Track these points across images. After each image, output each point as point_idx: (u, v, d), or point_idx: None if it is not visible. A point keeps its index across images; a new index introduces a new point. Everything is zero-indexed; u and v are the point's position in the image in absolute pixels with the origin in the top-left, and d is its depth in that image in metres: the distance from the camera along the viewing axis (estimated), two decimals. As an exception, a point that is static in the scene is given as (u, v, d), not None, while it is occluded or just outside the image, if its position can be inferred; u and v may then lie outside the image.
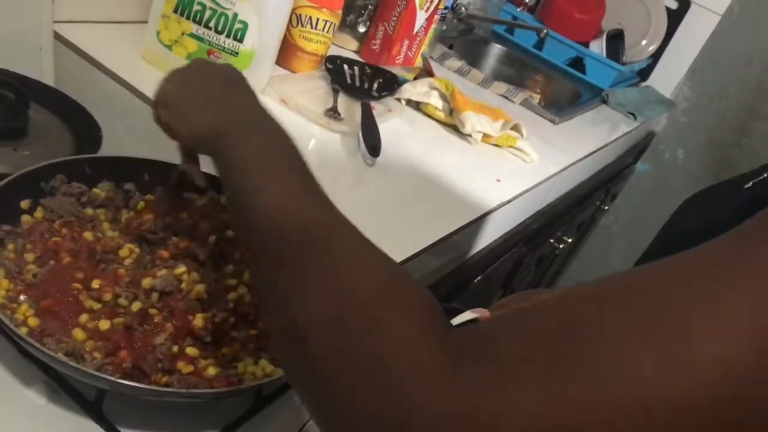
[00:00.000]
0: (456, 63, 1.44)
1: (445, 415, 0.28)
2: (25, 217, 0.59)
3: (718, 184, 0.68)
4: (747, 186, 0.58)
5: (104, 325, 0.51)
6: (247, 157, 0.45)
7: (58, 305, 0.51)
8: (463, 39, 1.75)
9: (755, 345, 0.25)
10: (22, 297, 0.51)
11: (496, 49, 1.82)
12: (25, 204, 0.59)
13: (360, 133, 0.90)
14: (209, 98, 0.51)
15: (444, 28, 1.54)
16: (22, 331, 0.48)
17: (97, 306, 0.53)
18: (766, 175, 0.58)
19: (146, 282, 0.55)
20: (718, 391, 0.25)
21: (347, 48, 1.25)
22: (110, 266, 0.56)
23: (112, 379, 0.47)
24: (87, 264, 0.55)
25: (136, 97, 0.83)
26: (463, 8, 1.66)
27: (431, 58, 1.40)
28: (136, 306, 0.53)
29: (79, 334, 0.50)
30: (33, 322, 0.49)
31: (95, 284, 0.54)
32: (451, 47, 1.57)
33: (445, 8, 1.32)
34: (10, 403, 0.53)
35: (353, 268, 0.36)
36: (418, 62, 1.28)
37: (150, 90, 0.82)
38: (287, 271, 0.38)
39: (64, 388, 0.54)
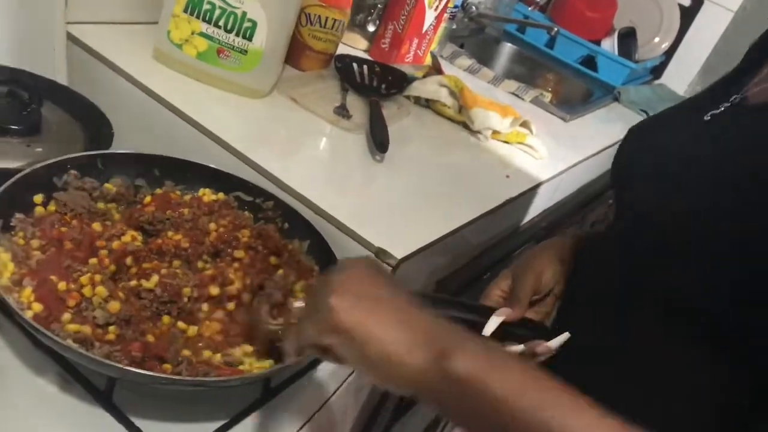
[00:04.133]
0: (466, 61, 1.44)
1: None
2: (38, 209, 0.60)
3: (670, 109, 0.67)
4: (706, 118, 0.57)
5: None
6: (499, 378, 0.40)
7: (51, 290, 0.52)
8: (474, 38, 1.75)
9: None
10: (25, 281, 0.52)
11: (507, 48, 1.82)
12: (38, 198, 0.61)
13: (368, 130, 0.90)
14: (400, 322, 0.43)
15: (454, 27, 1.54)
16: (28, 314, 0.49)
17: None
18: (723, 108, 0.57)
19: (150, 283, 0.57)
20: None
21: (357, 47, 1.26)
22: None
23: (121, 366, 0.48)
24: (86, 252, 0.56)
25: (147, 96, 0.84)
26: (473, 7, 1.66)
27: (441, 56, 1.40)
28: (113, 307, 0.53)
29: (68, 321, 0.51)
30: (37, 307, 0.51)
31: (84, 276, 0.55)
32: (461, 46, 1.58)
33: (455, 7, 1.32)
34: (22, 392, 0.54)
35: None
36: (428, 60, 1.28)
37: (161, 88, 0.84)
38: None
39: (75, 377, 0.55)
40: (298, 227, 0.71)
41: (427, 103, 1.12)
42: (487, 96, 1.16)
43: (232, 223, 0.67)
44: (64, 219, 0.60)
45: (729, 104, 0.58)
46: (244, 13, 0.85)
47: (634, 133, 0.67)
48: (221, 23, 0.86)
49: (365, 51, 1.27)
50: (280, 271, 0.65)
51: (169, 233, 0.62)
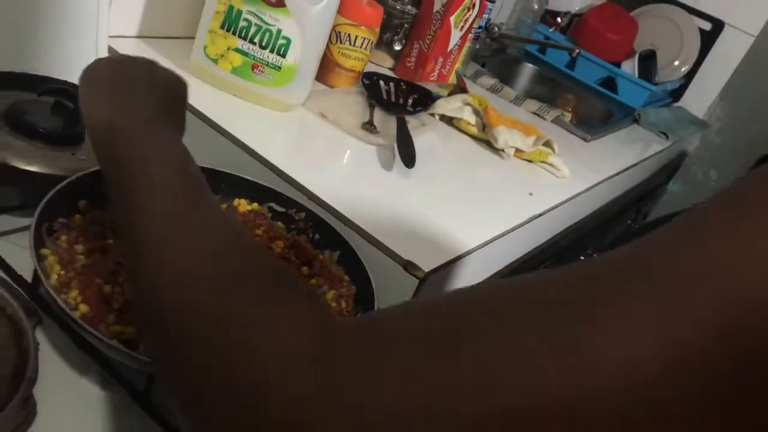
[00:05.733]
0: (489, 81, 1.46)
1: (306, 393, 0.26)
2: (77, 217, 0.62)
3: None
4: None
5: None
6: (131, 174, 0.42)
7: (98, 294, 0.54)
8: (496, 58, 1.77)
9: (661, 352, 0.23)
10: (72, 283, 0.54)
11: (528, 69, 1.84)
12: (82, 205, 0.63)
13: (395, 146, 0.93)
14: (127, 89, 0.50)
15: (477, 47, 1.57)
16: (76, 314, 0.51)
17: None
18: None
19: None
20: (620, 396, 0.23)
21: (383, 65, 1.29)
22: None
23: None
24: None
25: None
26: (496, 28, 1.68)
27: (465, 75, 1.43)
28: None
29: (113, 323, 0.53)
30: (84, 308, 0.53)
31: None
32: (483, 65, 1.60)
33: (479, 27, 1.35)
34: (64, 390, 0.56)
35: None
36: (452, 79, 1.31)
37: (197, 101, 0.87)
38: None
39: (116, 378, 0.57)
40: (329, 238, 0.73)
41: (452, 121, 1.15)
42: (509, 115, 1.18)
43: (266, 234, 0.69)
44: (104, 228, 0.62)
45: None
46: (279, 31, 0.88)
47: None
48: (256, 40, 0.88)
49: (391, 69, 1.29)
50: (313, 281, 0.67)
51: None
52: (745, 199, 0.26)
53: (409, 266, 0.72)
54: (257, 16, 0.87)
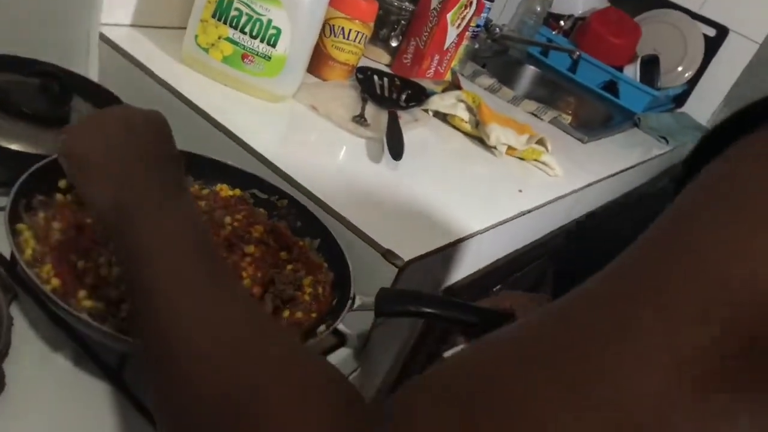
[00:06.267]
0: (487, 80, 1.46)
1: None
2: (59, 196, 0.63)
3: None
4: None
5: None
6: (146, 250, 0.42)
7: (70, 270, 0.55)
8: (497, 59, 1.77)
9: (673, 378, 0.24)
10: (46, 258, 0.55)
11: (529, 71, 1.84)
12: (62, 184, 0.64)
13: (384, 138, 0.93)
14: (110, 166, 0.48)
15: (477, 47, 1.57)
16: (47, 288, 0.51)
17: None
18: None
19: None
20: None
21: (379, 61, 1.29)
22: None
23: (130, 340, 0.50)
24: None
25: (174, 96, 0.88)
26: (497, 29, 1.69)
27: (462, 74, 1.43)
28: None
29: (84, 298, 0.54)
30: (56, 282, 0.53)
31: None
32: (484, 66, 1.60)
33: (477, 26, 1.35)
34: (37, 365, 0.56)
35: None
36: (448, 76, 1.31)
37: (188, 90, 0.87)
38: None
39: (88, 353, 0.57)
40: (310, 226, 0.73)
41: (445, 118, 1.15)
42: (505, 114, 1.18)
43: (246, 219, 0.69)
44: (82, 206, 0.62)
45: None
46: (270, 21, 0.88)
47: None
48: (247, 29, 0.89)
49: (387, 65, 1.30)
50: (290, 267, 0.67)
51: None
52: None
53: (388, 254, 0.72)
54: (248, 5, 0.88)
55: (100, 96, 0.81)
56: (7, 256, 0.61)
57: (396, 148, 0.90)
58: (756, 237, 0.24)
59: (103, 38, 0.90)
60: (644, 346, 0.25)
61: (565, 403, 0.25)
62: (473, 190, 0.98)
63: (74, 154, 0.50)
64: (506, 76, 1.70)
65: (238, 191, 0.74)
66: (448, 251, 0.81)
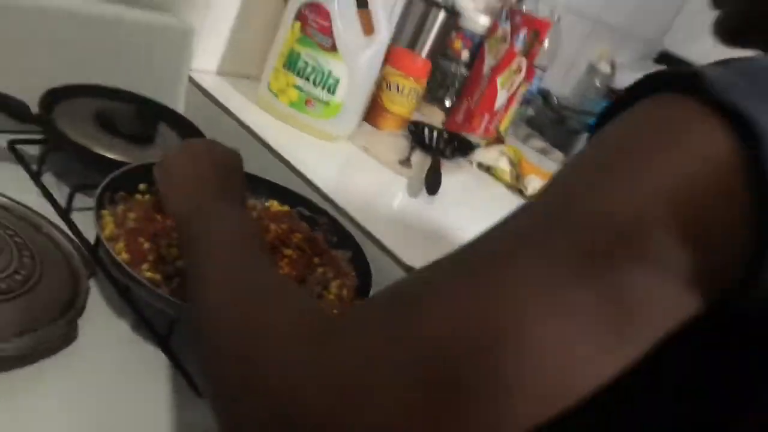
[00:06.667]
0: (539, 143, 1.56)
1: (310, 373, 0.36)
2: (137, 195, 0.77)
3: None
4: None
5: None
6: (201, 242, 0.55)
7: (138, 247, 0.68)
8: (555, 127, 1.87)
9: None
10: (120, 238, 0.68)
11: (585, 138, 1.91)
12: (142, 186, 0.78)
13: (423, 176, 1.04)
14: (194, 182, 0.64)
15: (532, 113, 1.67)
16: (119, 258, 0.64)
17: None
18: None
19: None
20: None
21: (434, 120, 1.41)
22: None
23: (176, 301, 0.62)
24: (170, 229, 0.72)
25: (246, 132, 1.02)
26: (555, 99, 1.79)
27: (515, 137, 1.53)
28: None
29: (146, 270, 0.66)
30: (125, 256, 0.66)
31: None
32: (541, 132, 1.70)
33: (529, 92, 1.46)
34: (105, 327, 0.68)
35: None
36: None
37: (259, 128, 1.02)
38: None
39: (143, 321, 0.69)
40: (344, 241, 0.84)
41: (488, 169, 1.25)
42: (547, 170, 1.27)
43: (288, 228, 0.81)
44: (155, 205, 0.76)
45: None
46: (330, 71, 1.03)
47: None
48: (311, 78, 1.04)
49: (442, 124, 1.42)
50: (321, 270, 0.78)
51: None
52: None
53: (410, 270, 0.82)
54: (314, 58, 1.03)
55: (183, 126, 0.96)
56: (92, 241, 0.75)
57: (432, 184, 1.01)
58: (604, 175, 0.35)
59: (192, 81, 1.07)
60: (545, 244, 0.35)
61: (471, 288, 0.35)
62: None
63: (168, 169, 0.67)
64: (562, 143, 1.79)
65: (286, 207, 0.86)
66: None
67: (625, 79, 2.05)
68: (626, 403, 0.40)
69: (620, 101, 0.39)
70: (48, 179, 0.83)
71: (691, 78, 0.35)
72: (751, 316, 0.35)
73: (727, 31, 0.50)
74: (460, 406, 0.33)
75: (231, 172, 0.68)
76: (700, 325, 0.35)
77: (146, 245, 0.69)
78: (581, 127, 1.98)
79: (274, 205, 0.86)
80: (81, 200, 0.79)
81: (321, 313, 0.44)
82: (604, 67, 1.92)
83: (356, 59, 1.03)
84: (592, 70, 1.95)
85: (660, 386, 0.40)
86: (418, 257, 0.84)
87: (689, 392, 0.40)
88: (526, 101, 1.56)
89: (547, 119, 1.84)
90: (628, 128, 0.37)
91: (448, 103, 1.40)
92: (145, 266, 0.67)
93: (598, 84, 1.91)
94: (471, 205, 1.12)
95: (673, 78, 0.36)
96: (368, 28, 1.04)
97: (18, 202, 0.74)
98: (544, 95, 1.78)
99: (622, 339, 0.34)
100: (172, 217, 0.65)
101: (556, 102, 1.79)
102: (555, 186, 0.38)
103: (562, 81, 2.02)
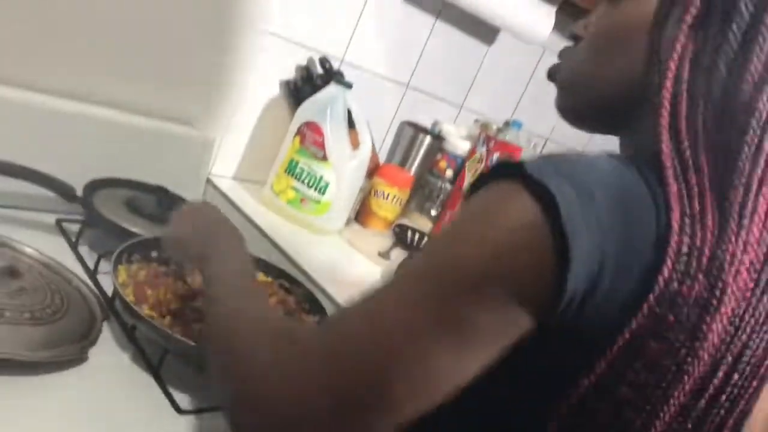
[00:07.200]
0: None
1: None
2: (150, 261, 0.97)
3: None
4: None
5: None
6: (213, 280, 0.70)
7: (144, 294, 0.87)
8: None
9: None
10: (130, 286, 0.87)
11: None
12: (154, 254, 0.98)
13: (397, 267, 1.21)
14: (200, 236, 0.78)
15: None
16: (127, 298, 0.83)
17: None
18: None
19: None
20: None
21: (422, 227, 1.61)
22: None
23: (169, 332, 0.79)
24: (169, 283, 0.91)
25: (251, 225, 1.23)
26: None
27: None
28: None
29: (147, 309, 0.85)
30: (131, 298, 0.85)
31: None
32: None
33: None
34: (110, 355, 0.85)
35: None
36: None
37: (261, 222, 1.22)
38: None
39: (141, 354, 0.86)
40: (314, 307, 1.01)
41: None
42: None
43: (268, 293, 0.99)
44: (162, 268, 0.95)
45: None
46: (322, 176, 1.25)
47: None
48: (305, 181, 1.25)
49: (429, 231, 1.61)
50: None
51: None
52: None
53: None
54: (309, 165, 1.25)
55: (197, 216, 1.17)
56: (109, 294, 0.94)
57: (401, 272, 1.18)
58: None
59: (209, 182, 1.30)
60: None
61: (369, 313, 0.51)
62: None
63: (181, 218, 0.84)
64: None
65: (270, 279, 1.04)
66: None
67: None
68: (478, 396, 0.53)
69: (480, 180, 0.54)
70: (83, 248, 1.04)
71: (517, 166, 0.50)
72: (563, 328, 0.49)
73: (565, 116, 0.67)
74: (355, 406, 0.49)
75: (223, 222, 0.82)
76: (532, 336, 0.50)
77: (149, 292, 0.88)
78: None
79: (261, 276, 1.04)
80: (107, 266, 1.00)
81: (289, 335, 0.58)
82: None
83: (343, 167, 1.25)
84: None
85: (505, 379, 0.54)
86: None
87: (526, 381, 0.54)
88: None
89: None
90: (475, 205, 0.53)
91: (434, 213, 1.60)
92: (145, 306, 0.85)
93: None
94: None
95: (508, 166, 0.52)
96: (354, 143, 1.26)
97: (58, 262, 0.94)
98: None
99: (467, 355, 0.49)
100: (188, 261, 0.82)
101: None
102: (430, 243, 0.55)
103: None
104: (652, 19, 0.56)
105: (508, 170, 0.50)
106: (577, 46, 0.65)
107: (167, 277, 0.93)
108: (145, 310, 0.84)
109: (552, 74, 0.67)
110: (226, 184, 1.33)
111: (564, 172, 0.49)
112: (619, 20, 0.60)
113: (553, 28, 1.51)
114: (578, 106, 0.66)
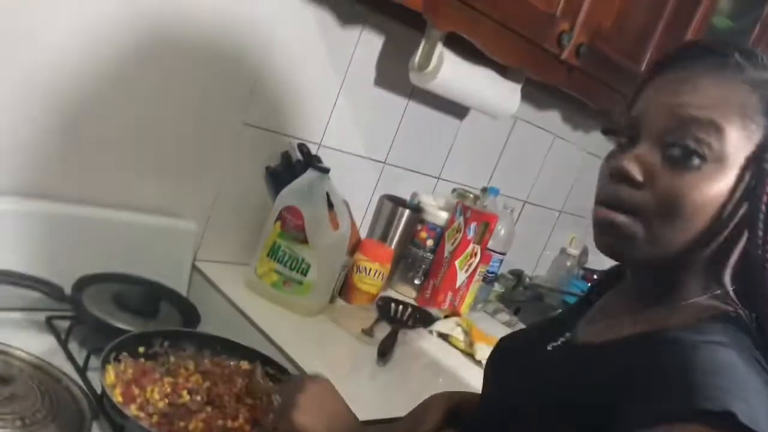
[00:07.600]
0: (506, 317, 1.76)
1: None
2: (137, 355, 1.00)
3: (533, 327, 0.88)
4: (548, 348, 0.73)
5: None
6: None
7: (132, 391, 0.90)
8: (532, 304, 2.07)
9: None
10: (118, 385, 0.91)
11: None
12: (141, 349, 1.01)
13: (378, 345, 1.25)
14: (321, 409, 0.82)
15: (501, 289, 1.90)
16: (115, 399, 0.86)
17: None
18: (561, 340, 0.73)
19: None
20: None
21: (407, 296, 1.65)
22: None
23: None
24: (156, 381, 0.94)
25: (235, 310, 1.27)
26: (527, 278, 2.02)
27: (485, 311, 1.75)
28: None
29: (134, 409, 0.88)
30: (119, 398, 0.88)
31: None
32: (518, 310, 1.90)
33: (489, 272, 1.70)
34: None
35: None
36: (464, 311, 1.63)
37: (245, 305, 1.26)
38: None
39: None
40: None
41: (447, 338, 1.45)
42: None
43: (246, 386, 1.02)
44: (149, 363, 0.99)
45: (564, 339, 0.75)
46: (303, 258, 1.29)
47: (499, 345, 0.87)
48: (288, 264, 1.30)
49: (414, 299, 1.65)
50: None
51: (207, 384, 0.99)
52: None
53: None
54: (290, 248, 1.30)
55: (183, 304, 1.21)
56: (98, 392, 0.97)
57: (382, 351, 1.22)
58: None
59: (195, 268, 1.34)
60: None
61: None
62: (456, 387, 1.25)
63: (304, 397, 0.82)
64: (537, 317, 1.98)
65: (253, 365, 1.08)
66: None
67: (600, 260, 2.28)
68: None
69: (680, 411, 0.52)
70: (72, 344, 1.07)
71: (731, 415, 0.50)
72: None
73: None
74: None
75: (339, 403, 0.85)
76: None
77: (137, 392, 0.91)
78: (558, 303, 2.18)
79: (245, 364, 1.08)
80: (96, 362, 1.03)
81: None
82: (574, 251, 2.17)
83: (323, 248, 1.29)
84: (563, 253, 2.19)
85: None
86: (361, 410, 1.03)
87: None
88: (492, 280, 1.79)
89: (524, 297, 2.06)
90: None
91: (417, 282, 1.64)
92: (133, 406, 0.89)
93: (568, 264, 2.14)
94: (426, 368, 1.32)
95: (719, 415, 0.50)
96: (334, 224, 1.31)
97: (48, 362, 0.98)
98: (518, 275, 2.01)
99: None
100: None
101: (528, 281, 2.02)
102: None
103: (537, 262, 2.26)
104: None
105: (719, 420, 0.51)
106: (637, 217, 0.65)
107: (154, 373, 0.97)
108: (132, 411, 0.88)
109: (618, 251, 0.68)
110: (211, 270, 1.37)
111: None
112: (689, 193, 0.62)
113: (522, 99, 1.59)
114: (640, 263, 0.69)
